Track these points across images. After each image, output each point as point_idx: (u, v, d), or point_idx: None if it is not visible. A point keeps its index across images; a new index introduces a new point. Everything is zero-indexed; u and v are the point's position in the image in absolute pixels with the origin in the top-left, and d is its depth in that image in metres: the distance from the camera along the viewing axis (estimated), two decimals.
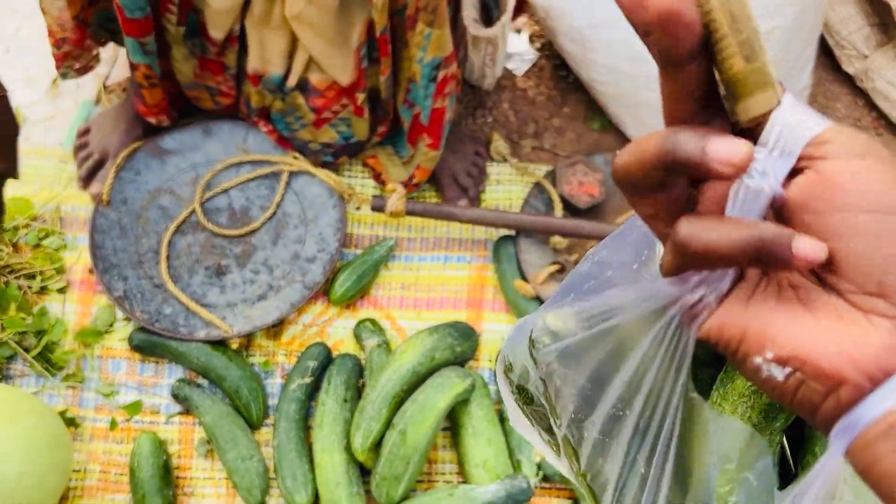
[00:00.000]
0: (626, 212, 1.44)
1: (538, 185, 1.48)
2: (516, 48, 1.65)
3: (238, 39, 1.33)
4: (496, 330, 1.39)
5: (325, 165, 1.49)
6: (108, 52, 1.60)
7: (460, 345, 1.31)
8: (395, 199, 1.39)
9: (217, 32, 1.30)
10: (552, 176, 1.47)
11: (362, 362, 1.33)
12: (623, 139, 1.57)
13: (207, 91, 1.43)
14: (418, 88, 1.33)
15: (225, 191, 1.46)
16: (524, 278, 1.38)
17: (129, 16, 1.23)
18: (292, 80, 1.37)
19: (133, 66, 1.34)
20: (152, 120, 1.44)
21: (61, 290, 1.38)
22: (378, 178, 1.51)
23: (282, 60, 1.35)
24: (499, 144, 1.54)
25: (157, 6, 1.26)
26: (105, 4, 1.31)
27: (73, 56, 1.38)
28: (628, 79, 1.40)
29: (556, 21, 1.42)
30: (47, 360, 1.32)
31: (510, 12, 1.32)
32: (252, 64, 1.35)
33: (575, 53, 1.46)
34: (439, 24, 1.23)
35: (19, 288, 1.35)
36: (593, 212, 1.44)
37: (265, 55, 1.34)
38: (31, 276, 1.38)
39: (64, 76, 1.41)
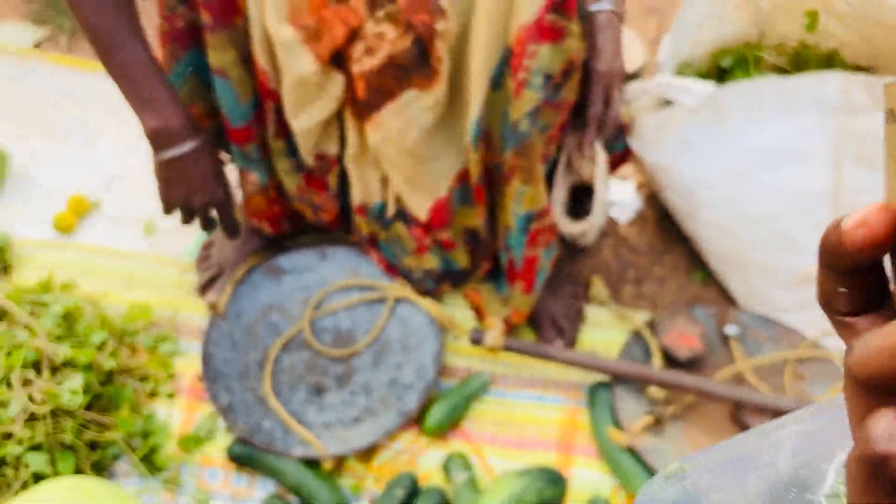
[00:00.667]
0: (726, 368, 1.43)
1: (637, 333, 1.49)
2: (621, 197, 1.70)
3: (338, 162, 1.41)
4: (585, 476, 1.38)
5: (428, 293, 1.54)
6: (235, 172, 1.72)
7: (548, 489, 1.30)
8: (494, 335, 1.42)
9: (305, 153, 1.37)
10: (652, 325, 1.49)
11: (448, 497, 1.34)
12: (725, 295, 1.57)
13: (311, 206, 1.51)
14: (513, 236, 1.37)
15: (333, 312, 1.53)
16: (618, 426, 1.38)
17: (234, 125, 1.34)
18: (390, 210, 1.45)
19: (241, 173, 1.44)
20: (255, 223, 1.53)
21: (170, 395, 1.44)
22: (478, 312, 1.55)
23: (380, 190, 1.43)
24: (599, 289, 1.57)
25: (260, 118, 1.35)
26: (220, 119, 1.42)
27: None
28: (735, 238, 1.43)
29: (665, 176, 1.46)
30: (150, 462, 1.37)
31: (605, 202, 1.36)
32: (356, 197, 1.43)
33: (681, 208, 1.49)
34: (534, 182, 1.28)
35: (133, 390, 1.42)
36: (692, 365, 1.44)
37: (366, 188, 1.42)
38: (144, 379, 1.45)
39: None
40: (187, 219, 1.37)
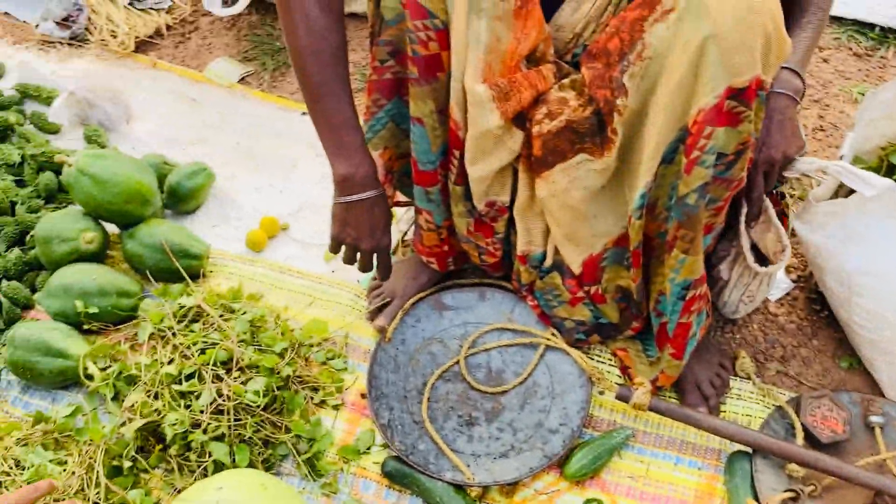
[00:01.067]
0: (868, 456, 1.45)
1: (780, 409, 1.53)
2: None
3: (506, 210, 1.52)
4: None
5: (577, 343, 1.63)
6: (410, 212, 1.88)
7: None
8: (641, 394, 1.49)
9: (477, 199, 1.48)
10: (796, 403, 1.52)
11: None
12: (871, 384, 1.59)
13: (476, 248, 1.63)
14: (667, 302, 1.43)
15: (486, 350, 1.64)
16: (756, 499, 1.42)
17: (422, 168, 1.47)
18: (548, 260, 1.55)
19: (417, 211, 1.58)
20: (424, 258, 1.66)
21: (335, 407, 1.59)
22: (624, 370, 1.62)
23: (542, 241, 1.54)
24: (744, 362, 1.61)
25: (445, 164, 1.47)
26: (408, 162, 1.57)
27: None
28: (892, 328, 1.45)
29: (826, 260, 1.51)
30: (312, 466, 1.50)
31: (788, 256, 1.42)
32: (520, 245, 1.54)
33: (838, 294, 1.53)
34: (695, 252, 1.33)
35: (304, 398, 1.57)
36: (834, 448, 1.46)
37: (529, 237, 1.53)
38: (315, 389, 1.60)
39: None
40: (350, 259, 1.51)
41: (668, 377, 1.53)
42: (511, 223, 1.54)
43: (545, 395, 1.58)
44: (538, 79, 1.34)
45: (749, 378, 1.60)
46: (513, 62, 1.30)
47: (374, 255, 1.50)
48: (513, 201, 1.49)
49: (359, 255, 1.50)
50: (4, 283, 1.78)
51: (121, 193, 1.75)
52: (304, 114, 2.15)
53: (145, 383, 1.53)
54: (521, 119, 1.36)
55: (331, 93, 1.36)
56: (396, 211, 1.89)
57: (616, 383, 1.53)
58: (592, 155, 1.32)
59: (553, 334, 1.63)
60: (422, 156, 1.47)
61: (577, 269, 1.50)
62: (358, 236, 1.46)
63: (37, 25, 2.40)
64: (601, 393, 1.60)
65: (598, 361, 1.65)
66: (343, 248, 1.49)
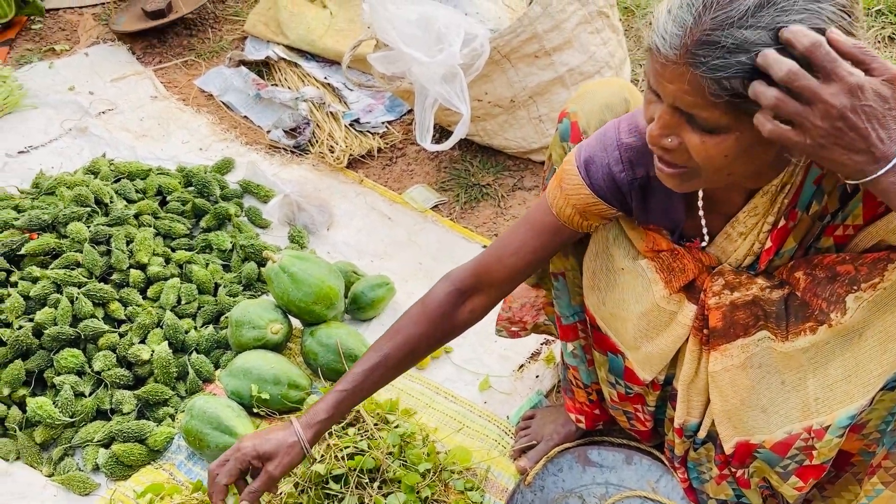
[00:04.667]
0: None
1: None
2: None
3: (661, 386, 1.50)
4: None
5: None
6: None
7: None
8: None
9: (645, 374, 1.45)
10: None
11: None
12: None
13: (625, 415, 1.62)
14: None
15: None
16: None
17: (564, 322, 1.50)
18: (703, 432, 1.51)
19: (565, 366, 1.60)
20: (572, 416, 1.67)
21: None
22: None
23: (701, 412, 1.51)
24: None
25: (586, 322, 1.48)
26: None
27: (511, 322, 1.73)
28: None
29: None
30: None
31: None
32: (678, 418, 1.51)
33: None
34: (894, 488, 1.23)
35: None
36: None
37: (689, 409, 1.50)
38: None
39: (498, 333, 1.77)
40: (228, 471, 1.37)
41: None
42: (663, 394, 1.53)
43: None
44: (704, 256, 1.32)
45: None
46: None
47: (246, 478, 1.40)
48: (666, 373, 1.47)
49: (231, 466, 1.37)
50: (195, 355, 1.97)
51: (312, 294, 1.92)
52: (483, 246, 2.27)
53: (295, 474, 1.63)
54: (690, 288, 1.33)
55: (368, 354, 1.43)
56: (555, 351, 1.94)
57: None
58: (776, 336, 1.26)
59: None
60: (564, 309, 1.51)
61: (728, 448, 1.46)
62: (266, 452, 1.37)
63: (268, 132, 2.72)
64: None
65: None
66: (238, 456, 1.37)
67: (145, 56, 3.13)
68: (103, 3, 3.37)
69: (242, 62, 3.01)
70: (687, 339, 1.37)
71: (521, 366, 1.94)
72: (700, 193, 1.25)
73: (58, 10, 3.37)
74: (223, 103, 2.89)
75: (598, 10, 2.33)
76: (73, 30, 3.28)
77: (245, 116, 2.84)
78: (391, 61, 2.26)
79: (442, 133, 2.57)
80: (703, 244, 1.30)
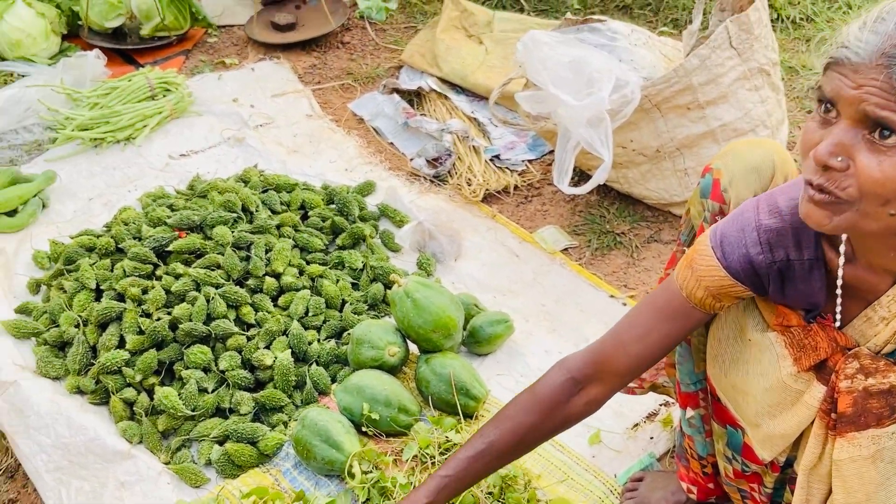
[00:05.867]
0: None
1: None
2: None
3: (781, 468, 1.40)
4: None
5: None
6: None
7: None
8: None
9: (765, 453, 1.36)
10: None
11: None
12: None
13: (739, 493, 1.52)
14: None
15: None
16: None
17: (684, 389, 1.42)
18: None
19: (682, 433, 1.53)
20: (684, 485, 1.59)
21: None
22: None
23: (821, 500, 1.39)
24: None
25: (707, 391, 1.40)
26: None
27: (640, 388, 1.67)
28: None
29: None
30: None
31: None
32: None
33: None
34: None
35: None
36: None
37: (809, 498, 1.39)
38: None
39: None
40: None
41: None
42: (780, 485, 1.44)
43: None
44: (840, 336, 1.24)
45: None
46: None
47: None
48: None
49: None
50: (314, 367, 2.03)
51: (431, 322, 1.93)
52: (611, 296, 2.22)
53: (395, 498, 1.63)
54: (821, 368, 1.26)
55: (473, 440, 1.36)
56: (673, 414, 1.86)
57: None
58: None
59: None
60: (685, 376, 1.45)
61: None
62: None
63: (411, 159, 2.78)
64: None
65: None
66: None
67: (306, 75, 3.29)
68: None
69: (396, 90, 3.10)
70: (812, 422, 1.27)
71: (636, 424, 1.87)
72: (839, 280, 1.17)
73: (232, 26, 3.61)
74: (373, 128, 2.99)
75: (759, 66, 2.26)
76: (243, 45, 3.50)
77: (391, 143, 2.92)
78: (538, 101, 2.26)
79: (581, 176, 2.54)
80: (836, 324, 1.22)
